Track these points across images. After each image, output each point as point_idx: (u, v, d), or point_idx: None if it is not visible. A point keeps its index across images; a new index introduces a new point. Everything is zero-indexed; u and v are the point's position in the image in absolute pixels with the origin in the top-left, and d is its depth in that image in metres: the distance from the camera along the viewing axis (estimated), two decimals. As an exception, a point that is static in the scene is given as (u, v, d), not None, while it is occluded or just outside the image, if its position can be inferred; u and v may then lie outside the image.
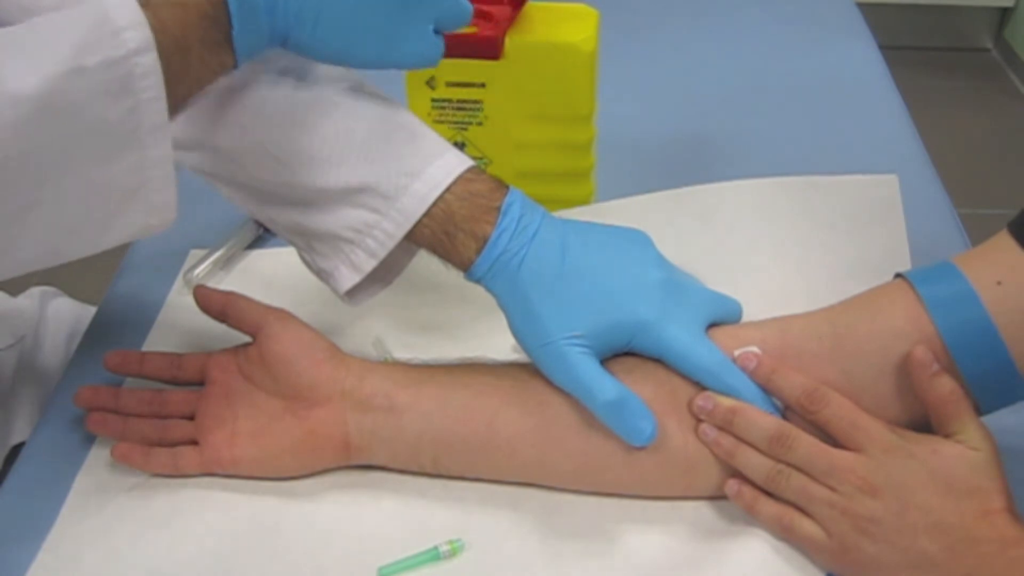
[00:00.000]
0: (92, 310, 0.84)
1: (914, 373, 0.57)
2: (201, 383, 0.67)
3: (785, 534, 0.58)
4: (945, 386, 0.56)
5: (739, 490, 0.59)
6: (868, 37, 1.15)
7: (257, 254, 0.84)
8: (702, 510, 0.62)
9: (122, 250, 0.86)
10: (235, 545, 0.61)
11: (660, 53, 1.13)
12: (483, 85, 0.77)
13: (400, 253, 0.65)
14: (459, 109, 0.79)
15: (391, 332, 0.75)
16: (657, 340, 0.61)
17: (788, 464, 0.58)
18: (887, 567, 0.55)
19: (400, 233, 0.62)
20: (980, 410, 0.57)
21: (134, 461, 0.64)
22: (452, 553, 0.59)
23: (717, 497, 0.62)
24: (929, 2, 2.65)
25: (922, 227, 0.75)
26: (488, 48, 0.75)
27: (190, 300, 0.68)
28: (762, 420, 0.59)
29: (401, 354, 0.71)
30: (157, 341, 0.75)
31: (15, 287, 0.93)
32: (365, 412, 0.62)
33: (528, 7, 0.78)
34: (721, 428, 0.60)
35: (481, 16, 0.77)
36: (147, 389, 0.67)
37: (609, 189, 0.86)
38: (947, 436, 0.56)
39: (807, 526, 0.57)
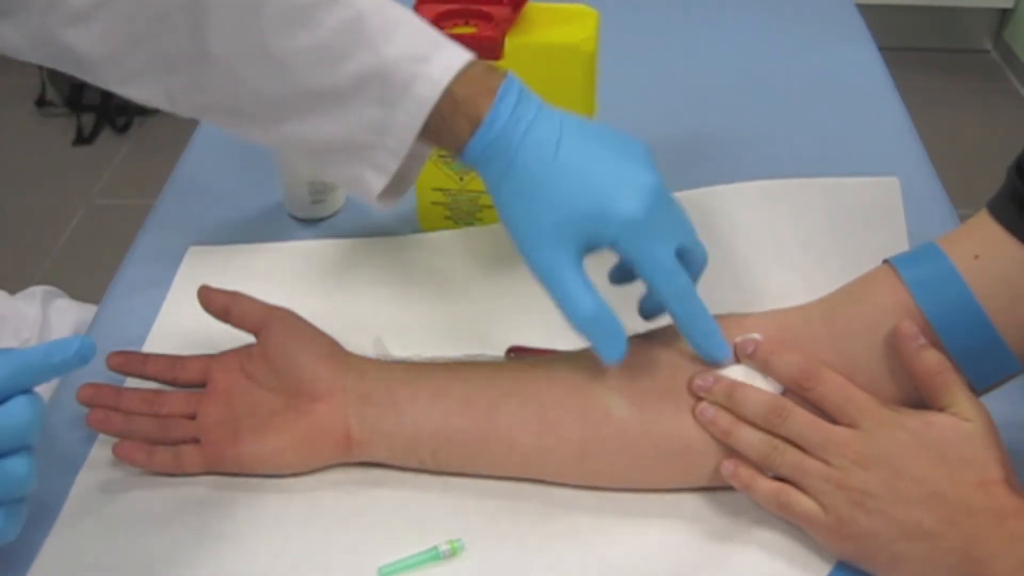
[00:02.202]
0: (94, 310, 0.84)
1: (901, 347, 0.57)
2: (202, 385, 0.67)
3: (781, 511, 0.59)
4: (932, 358, 0.56)
5: (735, 470, 0.59)
6: (868, 38, 1.15)
7: (256, 249, 0.84)
8: (702, 508, 0.62)
9: (122, 249, 0.86)
10: (235, 545, 0.61)
11: (660, 53, 1.13)
12: (483, 85, 0.77)
13: (420, 145, 0.63)
14: (459, 109, 0.78)
15: (390, 331, 0.75)
16: (640, 245, 0.59)
17: (783, 439, 0.58)
18: (883, 540, 0.55)
19: (417, 124, 0.60)
20: (975, 387, 0.57)
21: (136, 459, 0.64)
22: (452, 553, 0.59)
23: (716, 488, 0.62)
24: (929, 3, 2.66)
25: (922, 228, 0.75)
26: (488, 48, 0.75)
27: (190, 300, 0.68)
28: (759, 395, 0.60)
29: (400, 353, 0.71)
30: (157, 340, 0.75)
31: (13, 285, 0.93)
32: (366, 406, 0.63)
33: (528, 7, 0.78)
34: (719, 406, 0.60)
35: (481, 16, 0.77)
36: (149, 388, 0.67)
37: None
38: (939, 410, 0.56)
39: (803, 502, 0.57)
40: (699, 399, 0.61)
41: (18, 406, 0.47)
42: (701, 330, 0.61)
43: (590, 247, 0.60)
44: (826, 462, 0.57)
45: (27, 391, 0.48)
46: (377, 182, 0.62)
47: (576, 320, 0.59)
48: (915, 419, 0.56)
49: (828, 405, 0.58)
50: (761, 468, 0.59)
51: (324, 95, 0.60)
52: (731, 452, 0.60)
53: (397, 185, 0.64)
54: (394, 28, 0.61)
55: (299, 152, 0.64)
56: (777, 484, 0.58)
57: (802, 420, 0.58)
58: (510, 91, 0.60)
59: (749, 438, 0.59)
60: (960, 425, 0.55)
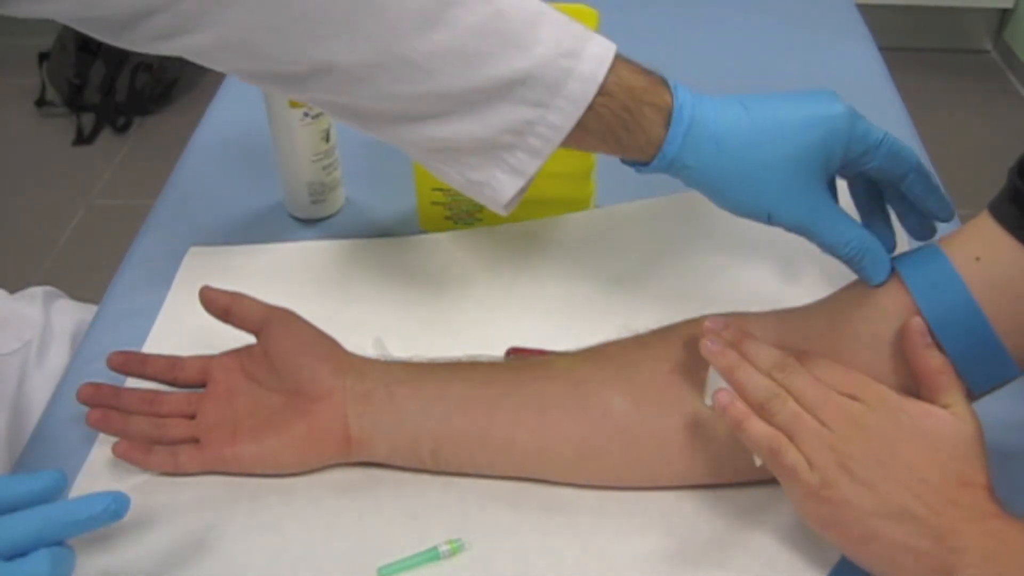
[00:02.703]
0: (94, 309, 0.83)
1: (907, 344, 0.57)
2: (201, 385, 0.67)
3: (770, 457, 0.56)
4: (936, 358, 0.56)
5: (730, 403, 0.56)
6: (868, 38, 1.15)
7: (256, 250, 0.84)
8: (702, 508, 0.62)
9: (122, 249, 0.86)
10: (235, 545, 0.61)
11: (660, 53, 1.12)
12: (483, 85, 0.77)
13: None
14: (459, 109, 0.78)
15: (390, 331, 0.75)
16: (865, 129, 0.60)
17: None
18: (861, 511, 0.54)
19: (569, 124, 0.56)
20: (972, 391, 0.57)
21: (134, 459, 0.64)
22: (452, 553, 0.59)
23: (717, 487, 0.62)
24: (929, 3, 2.65)
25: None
26: (488, 48, 0.75)
27: (190, 300, 0.68)
28: (767, 349, 0.59)
29: (400, 354, 0.71)
30: (157, 341, 0.75)
31: (13, 285, 0.93)
32: (366, 405, 0.63)
33: (529, 7, 0.78)
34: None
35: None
36: (148, 388, 0.67)
37: (609, 189, 0.86)
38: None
39: (792, 453, 0.56)
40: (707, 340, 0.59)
41: (38, 560, 0.48)
42: (936, 194, 0.62)
43: (827, 168, 0.59)
44: (823, 424, 0.56)
45: (57, 542, 0.49)
46: (510, 185, 0.58)
47: (843, 253, 0.59)
48: (915, 406, 0.56)
49: (828, 381, 0.58)
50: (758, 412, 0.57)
51: (466, 97, 0.56)
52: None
53: (519, 192, 0.61)
54: (536, 22, 0.57)
55: (419, 154, 0.60)
56: (772, 429, 0.56)
57: (806, 378, 0.58)
58: (664, 73, 0.58)
59: (754, 379, 0.57)
60: (956, 423, 0.55)
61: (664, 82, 0.58)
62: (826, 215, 0.59)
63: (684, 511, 0.62)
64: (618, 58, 0.58)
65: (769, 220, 0.60)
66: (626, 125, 0.57)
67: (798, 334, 0.61)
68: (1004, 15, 2.72)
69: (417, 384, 0.63)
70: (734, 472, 0.61)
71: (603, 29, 0.78)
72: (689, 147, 0.57)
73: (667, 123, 0.57)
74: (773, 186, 0.58)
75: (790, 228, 0.60)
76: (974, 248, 0.57)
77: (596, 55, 0.57)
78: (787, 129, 0.58)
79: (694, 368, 0.62)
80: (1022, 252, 0.55)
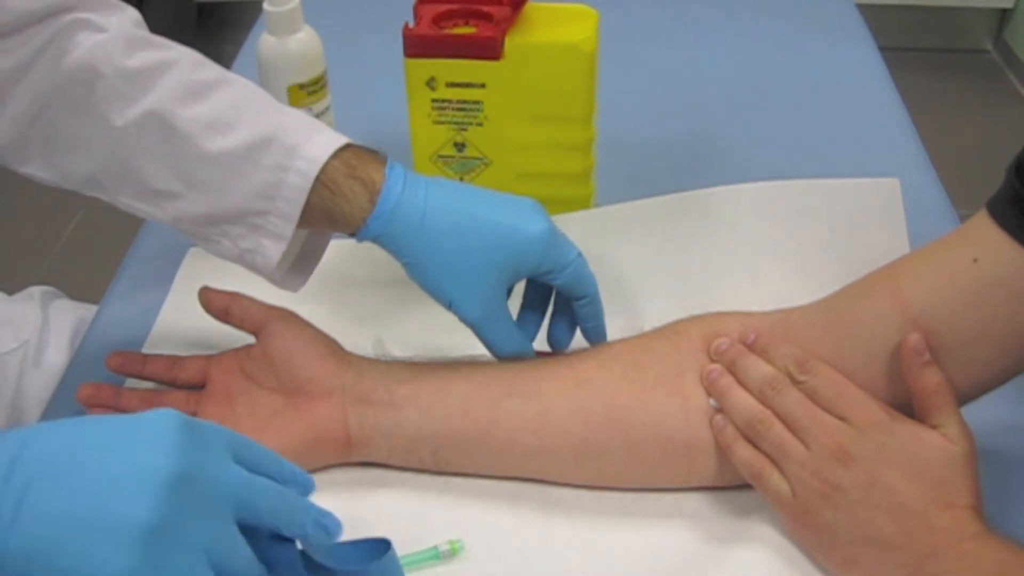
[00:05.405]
0: (94, 310, 0.83)
1: (905, 360, 0.57)
2: (201, 385, 0.67)
3: (754, 482, 0.59)
4: (933, 377, 0.56)
5: (723, 427, 0.60)
6: (868, 38, 1.15)
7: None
8: (702, 508, 0.62)
9: (122, 250, 0.86)
10: (235, 545, 0.61)
11: (660, 53, 1.13)
12: (483, 85, 0.77)
13: (315, 236, 0.68)
14: (459, 109, 0.79)
15: (391, 332, 0.75)
16: (557, 255, 0.63)
17: (774, 412, 0.59)
18: (841, 537, 0.55)
19: (307, 184, 0.62)
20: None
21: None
22: (451, 553, 0.59)
23: (717, 488, 0.62)
24: (929, 3, 2.65)
25: (923, 228, 0.75)
26: (488, 48, 0.76)
27: (190, 300, 0.68)
28: (761, 366, 0.60)
29: (400, 353, 0.71)
30: (157, 341, 0.75)
31: (12, 286, 0.93)
32: (366, 406, 0.63)
33: (528, 7, 0.78)
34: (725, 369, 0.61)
35: (481, 16, 0.77)
36: (148, 389, 0.67)
37: (609, 190, 0.86)
38: (930, 427, 0.56)
39: (776, 480, 0.58)
40: (714, 361, 0.62)
41: None
42: (598, 323, 0.66)
43: (512, 278, 0.64)
44: (807, 446, 0.57)
45: None
46: (275, 250, 0.64)
47: (497, 354, 0.65)
48: (906, 429, 0.56)
49: (820, 398, 0.58)
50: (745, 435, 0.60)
51: (216, 160, 0.63)
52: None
53: (298, 272, 0.69)
54: (281, 108, 0.66)
55: (193, 230, 0.67)
56: (757, 454, 0.59)
57: (795, 398, 0.58)
58: (396, 165, 0.63)
59: (740, 403, 0.60)
60: (947, 447, 0.55)
61: (383, 162, 0.63)
62: (496, 321, 0.64)
63: (684, 511, 0.62)
64: (350, 145, 0.64)
65: (449, 307, 0.64)
66: (333, 200, 0.62)
67: (796, 335, 0.61)
68: (1004, 15, 2.72)
69: (417, 384, 0.63)
70: (736, 475, 0.61)
71: (603, 29, 0.78)
72: (396, 223, 0.62)
73: (373, 199, 0.62)
74: (459, 280, 0.63)
75: (463, 320, 0.64)
76: (972, 249, 0.57)
77: (332, 134, 0.64)
78: (485, 235, 0.62)
79: (699, 369, 0.62)
80: (1019, 252, 0.55)
